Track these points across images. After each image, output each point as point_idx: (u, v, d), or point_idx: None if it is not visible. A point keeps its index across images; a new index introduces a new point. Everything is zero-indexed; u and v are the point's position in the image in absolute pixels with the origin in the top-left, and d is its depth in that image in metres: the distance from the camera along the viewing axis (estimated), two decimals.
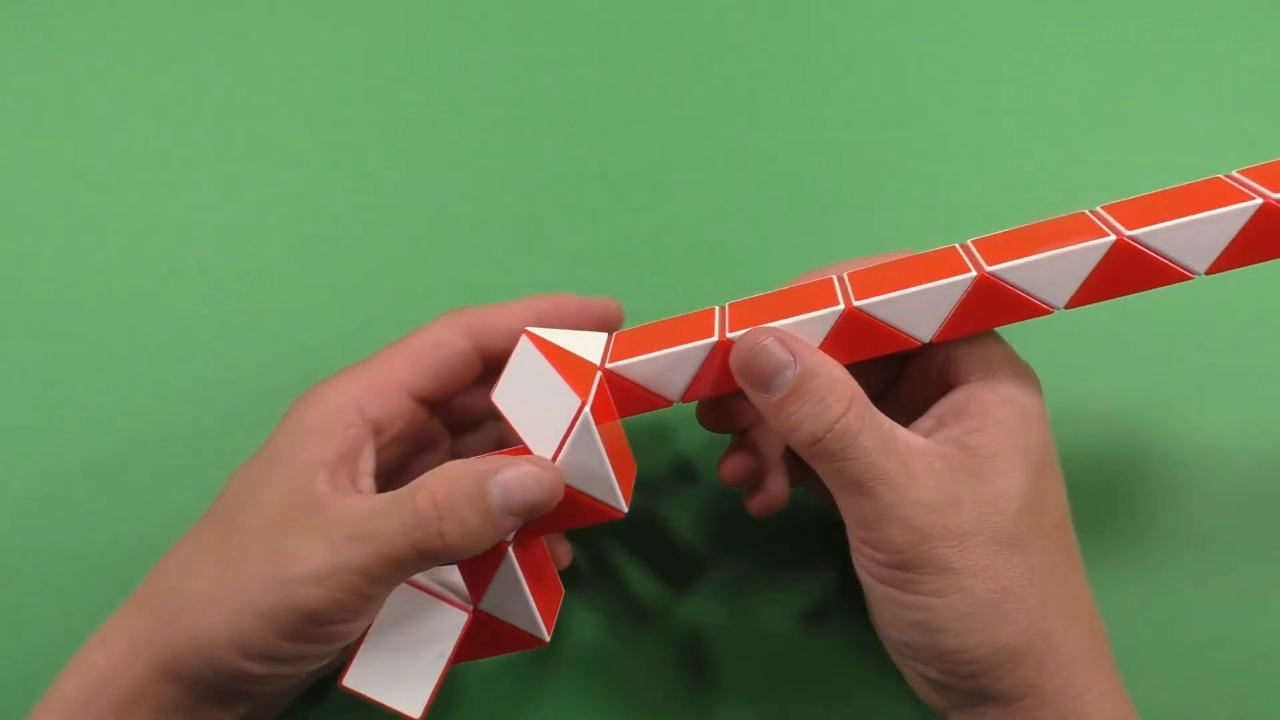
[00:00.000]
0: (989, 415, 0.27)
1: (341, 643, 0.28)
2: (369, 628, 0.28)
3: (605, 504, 0.28)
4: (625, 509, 0.28)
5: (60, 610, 0.35)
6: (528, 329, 0.28)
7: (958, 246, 0.28)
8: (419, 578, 0.30)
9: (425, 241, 0.38)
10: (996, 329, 0.28)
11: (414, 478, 0.27)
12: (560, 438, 0.27)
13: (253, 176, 0.39)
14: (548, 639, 0.29)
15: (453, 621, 0.29)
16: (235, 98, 0.39)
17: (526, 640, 0.30)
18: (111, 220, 0.38)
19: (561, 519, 0.28)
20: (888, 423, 0.27)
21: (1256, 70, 0.39)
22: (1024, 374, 0.28)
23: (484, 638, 0.29)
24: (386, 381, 0.29)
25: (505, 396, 0.28)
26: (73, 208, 0.38)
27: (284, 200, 0.39)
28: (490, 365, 0.31)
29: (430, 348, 0.30)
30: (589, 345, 0.30)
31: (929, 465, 0.26)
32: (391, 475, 0.32)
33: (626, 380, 0.29)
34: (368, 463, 0.29)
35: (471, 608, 0.29)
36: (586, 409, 0.27)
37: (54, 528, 0.36)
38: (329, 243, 0.38)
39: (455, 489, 0.26)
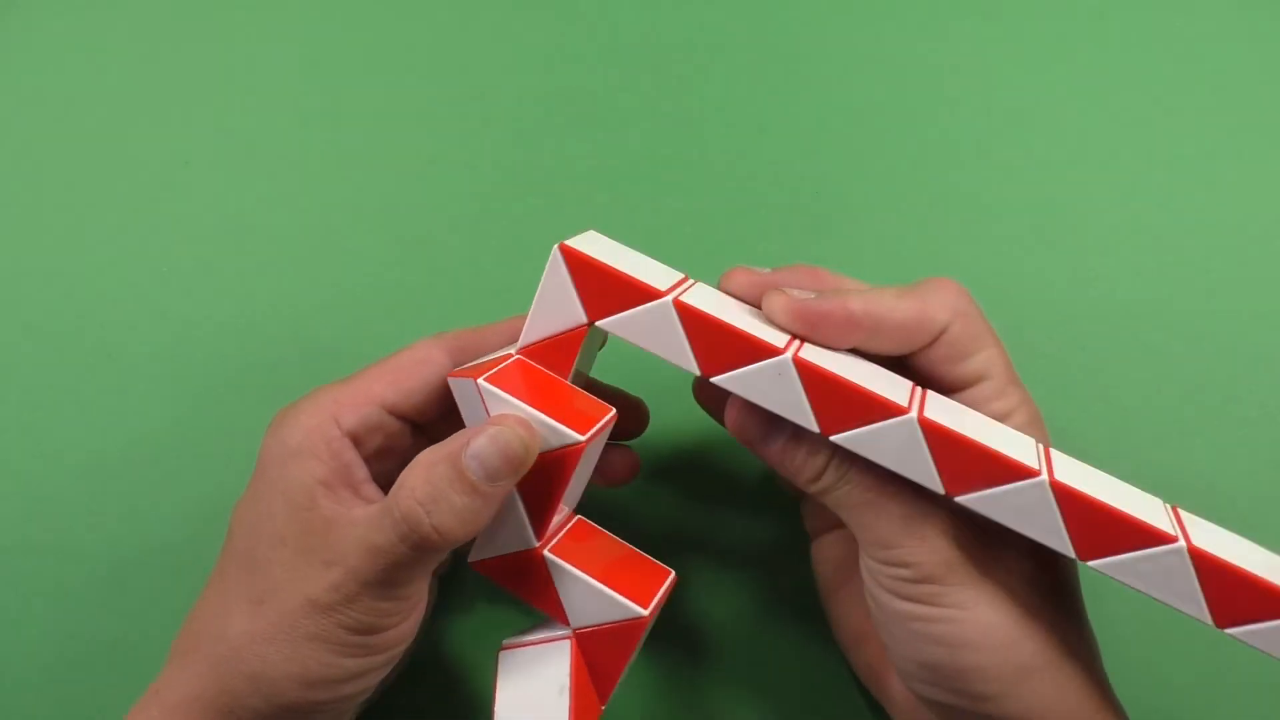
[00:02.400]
0: None
1: (400, 645, 0.28)
2: (496, 696, 0.28)
3: (558, 447, 0.27)
4: (581, 437, 0.27)
5: (60, 610, 0.35)
6: (450, 374, 0.29)
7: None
8: (517, 635, 0.30)
9: (425, 241, 0.38)
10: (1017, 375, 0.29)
11: None
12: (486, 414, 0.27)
13: (253, 177, 0.39)
14: (644, 612, 0.28)
15: (558, 653, 0.29)
16: (235, 98, 0.39)
17: (630, 629, 0.29)
18: (111, 220, 0.38)
19: (545, 485, 0.28)
20: None
21: (1257, 70, 0.39)
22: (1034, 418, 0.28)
23: (599, 651, 0.29)
24: (362, 395, 0.29)
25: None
26: (73, 208, 0.38)
27: (284, 200, 0.39)
28: None
29: (410, 365, 0.30)
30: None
31: None
32: (386, 490, 0.32)
33: (542, 342, 0.29)
34: (363, 470, 0.29)
35: (569, 631, 0.29)
36: (481, 379, 0.27)
37: (54, 528, 0.36)
38: (329, 242, 0.38)
39: (433, 478, 0.26)
